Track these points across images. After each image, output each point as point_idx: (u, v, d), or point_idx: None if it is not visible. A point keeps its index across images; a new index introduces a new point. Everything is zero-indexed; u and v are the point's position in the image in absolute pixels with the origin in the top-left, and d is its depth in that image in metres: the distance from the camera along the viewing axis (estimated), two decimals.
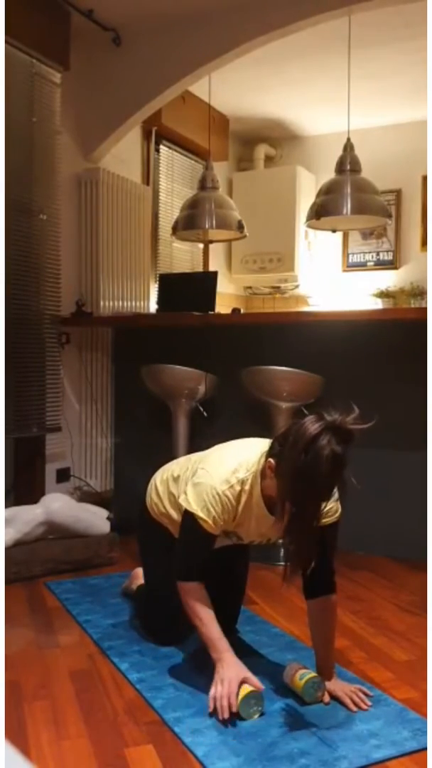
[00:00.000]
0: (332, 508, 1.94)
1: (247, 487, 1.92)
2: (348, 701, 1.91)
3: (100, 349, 4.06)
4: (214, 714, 1.82)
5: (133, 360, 3.77)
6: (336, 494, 1.95)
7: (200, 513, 1.91)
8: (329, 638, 2.02)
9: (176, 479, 2.20)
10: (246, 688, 1.84)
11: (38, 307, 3.60)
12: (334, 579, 1.99)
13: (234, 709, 1.80)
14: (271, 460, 1.86)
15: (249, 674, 1.85)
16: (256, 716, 1.84)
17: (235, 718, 1.80)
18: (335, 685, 1.96)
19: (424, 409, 3.08)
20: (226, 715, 1.79)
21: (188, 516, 1.95)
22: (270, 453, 1.90)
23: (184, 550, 1.99)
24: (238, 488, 1.92)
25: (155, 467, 2.39)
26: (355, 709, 1.89)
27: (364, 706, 1.90)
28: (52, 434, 3.74)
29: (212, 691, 1.85)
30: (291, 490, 1.74)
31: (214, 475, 1.94)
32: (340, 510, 1.97)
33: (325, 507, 1.86)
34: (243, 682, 1.85)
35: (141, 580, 2.58)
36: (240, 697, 1.83)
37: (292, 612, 2.60)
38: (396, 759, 1.67)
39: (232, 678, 1.84)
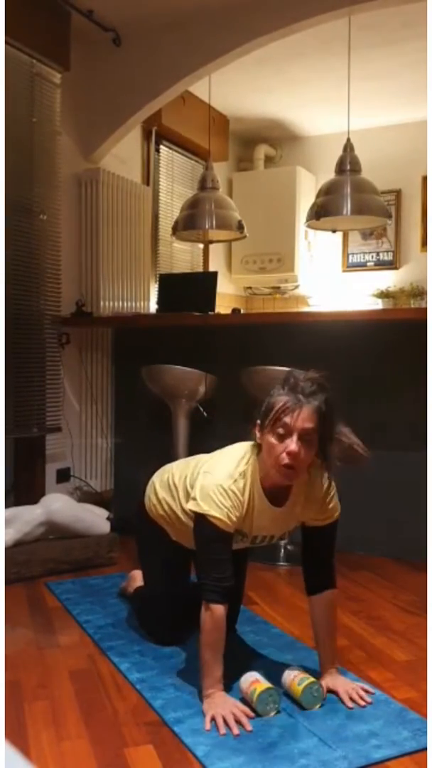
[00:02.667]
0: (332, 507, 2.00)
1: (249, 480, 1.94)
2: (345, 698, 1.91)
3: (100, 349, 4.06)
4: (213, 727, 1.79)
5: (133, 360, 3.77)
6: (335, 491, 2.00)
7: (212, 512, 1.89)
8: (331, 632, 2.04)
9: (176, 484, 2.19)
10: (261, 685, 1.85)
11: (38, 307, 3.60)
12: (335, 575, 2.04)
13: (248, 728, 1.77)
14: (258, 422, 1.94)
15: (241, 704, 1.84)
16: (272, 713, 1.84)
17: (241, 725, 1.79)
18: (336, 681, 1.97)
19: (424, 409, 3.08)
20: (234, 731, 1.75)
21: (200, 519, 1.93)
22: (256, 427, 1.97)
23: (206, 559, 1.94)
24: (241, 482, 1.92)
25: (155, 467, 2.39)
26: (351, 705, 1.89)
27: (362, 703, 1.90)
28: (52, 434, 3.74)
29: (210, 714, 1.81)
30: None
31: (217, 474, 1.94)
32: (339, 509, 2.02)
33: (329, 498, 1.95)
34: (256, 682, 1.87)
35: (138, 582, 2.58)
36: (256, 693, 1.83)
37: (292, 612, 2.60)
38: (396, 759, 1.67)
39: (227, 702, 1.84)
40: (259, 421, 1.93)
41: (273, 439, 1.87)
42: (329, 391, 1.89)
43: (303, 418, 1.84)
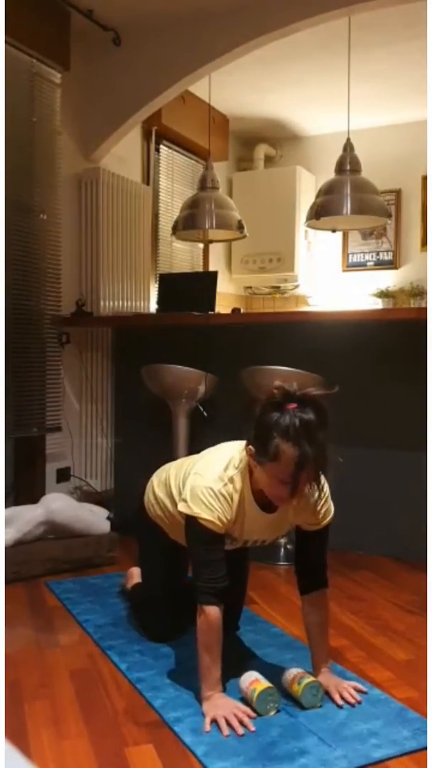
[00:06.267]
0: (326, 510, 2.00)
1: (238, 486, 1.92)
2: (336, 696, 1.91)
3: (100, 349, 4.06)
4: (213, 724, 1.79)
5: (133, 360, 3.77)
6: (328, 493, 1.99)
7: (203, 514, 1.88)
8: (323, 631, 2.04)
9: (170, 484, 2.19)
10: (261, 684, 1.85)
11: (38, 307, 3.60)
12: (326, 574, 2.05)
13: (252, 728, 1.77)
14: (251, 447, 1.87)
15: (241, 705, 1.84)
16: (272, 713, 1.84)
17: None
18: (327, 680, 1.97)
19: (424, 409, 3.08)
20: (239, 731, 1.75)
21: (191, 521, 1.92)
22: (247, 443, 1.91)
23: (198, 561, 1.94)
24: (230, 486, 1.92)
25: (155, 467, 2.39)
26: (341, 703, 1.89)
27: (352, 701, 1.90)
28: (52, 434, 3.74)
29: (211, 716, 1.80)
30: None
31: (207, 476, 1.93)
32: (332, 512, 2.02)
33: (321, 496, 1.93)
34: (255, 682, 1.87)
35: (136, 579, 2.59)
36: (256, 693, 1.83)
37: (292, 611, 2.60)
38: (396, 758, 1.67)
39: (227, 704, 1.84)
40: (252, 448, 1.86)
41: (272, 479, 1.82)
42: (326, 412, 1.79)
43: (309, 474, 1.79)
